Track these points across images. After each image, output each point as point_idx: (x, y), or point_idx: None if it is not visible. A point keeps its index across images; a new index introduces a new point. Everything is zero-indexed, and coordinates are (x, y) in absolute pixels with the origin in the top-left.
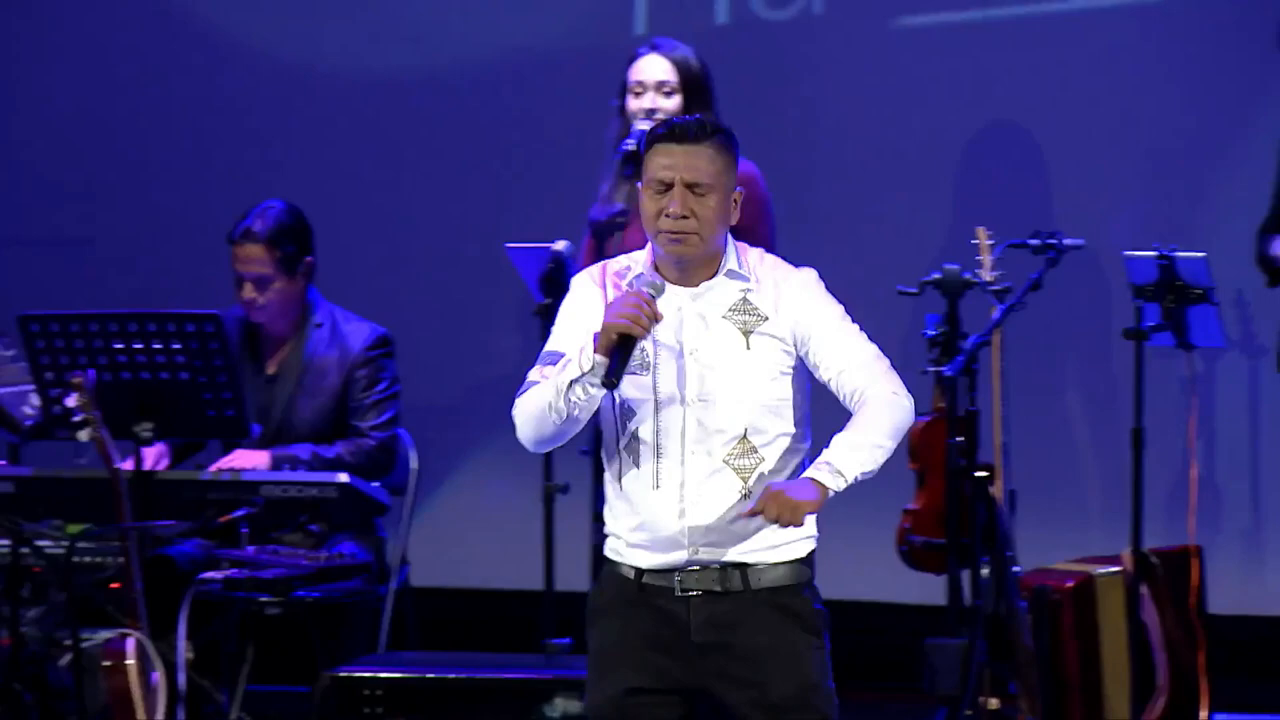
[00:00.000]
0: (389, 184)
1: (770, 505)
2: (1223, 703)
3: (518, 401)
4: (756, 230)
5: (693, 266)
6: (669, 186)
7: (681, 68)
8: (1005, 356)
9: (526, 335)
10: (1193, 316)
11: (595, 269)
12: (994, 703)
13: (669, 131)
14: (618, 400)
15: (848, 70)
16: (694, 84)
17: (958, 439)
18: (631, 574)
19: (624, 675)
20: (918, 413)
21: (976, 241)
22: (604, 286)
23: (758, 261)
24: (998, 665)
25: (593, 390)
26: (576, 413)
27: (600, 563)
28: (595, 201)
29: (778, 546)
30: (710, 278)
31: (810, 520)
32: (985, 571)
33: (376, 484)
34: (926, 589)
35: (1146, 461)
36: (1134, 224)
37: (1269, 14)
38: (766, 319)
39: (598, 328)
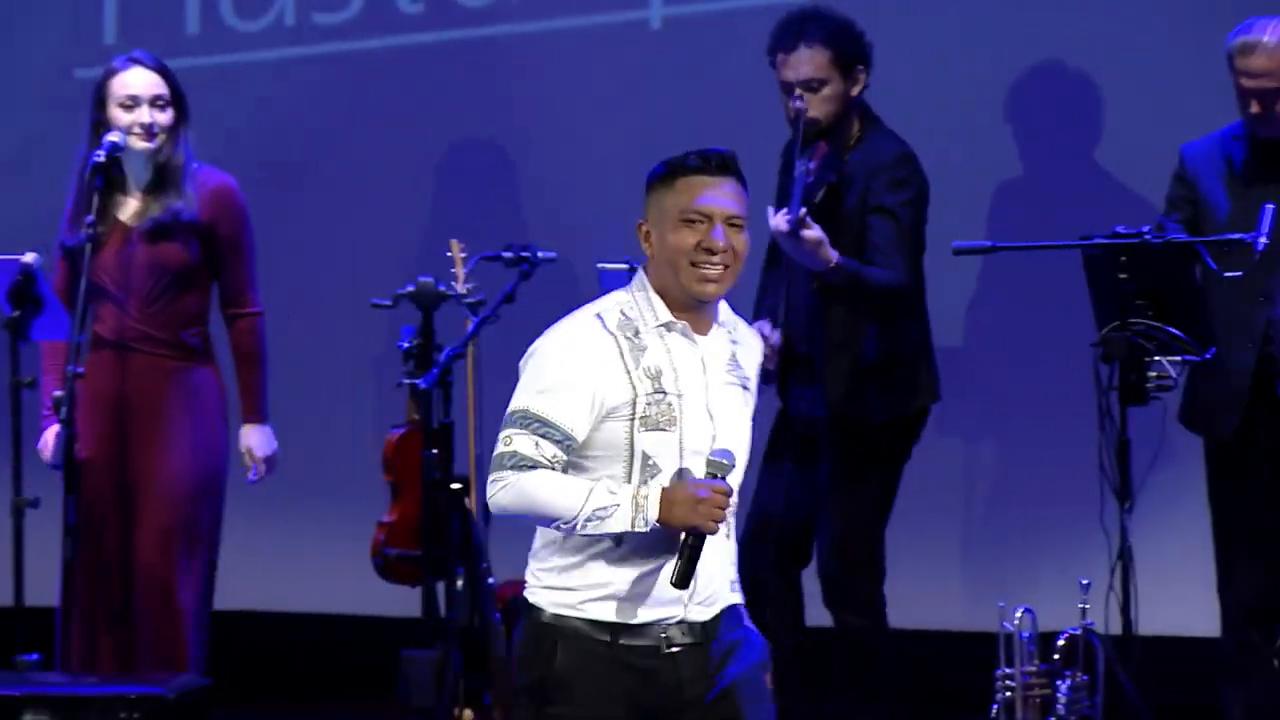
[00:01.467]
0: None
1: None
2: None
3: (518, 482)
4: (240, 242)
5: (708, 312)
6: (707, 219)
7: (170, 79)
8: (480, 369)
9: None
10: None
11: (590, 321)
12: (468, 714)
13: (705, 163)
14: (638, 454)
15: (318, 84)
16: (180, 95)
17: (432, 451)
18: (605, 633)
19: None
20: (393, 425)
21: (450, 254)
22: (618, 341)
23: (728, 312)
24: (472, 676)
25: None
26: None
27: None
28: (64, 220)
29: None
30: (712, 326)
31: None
32: (459, 583)
33: None
34: (401, 601)
35: None
36: (607, 237)
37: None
38: (750, 378)
39: (611, 390)
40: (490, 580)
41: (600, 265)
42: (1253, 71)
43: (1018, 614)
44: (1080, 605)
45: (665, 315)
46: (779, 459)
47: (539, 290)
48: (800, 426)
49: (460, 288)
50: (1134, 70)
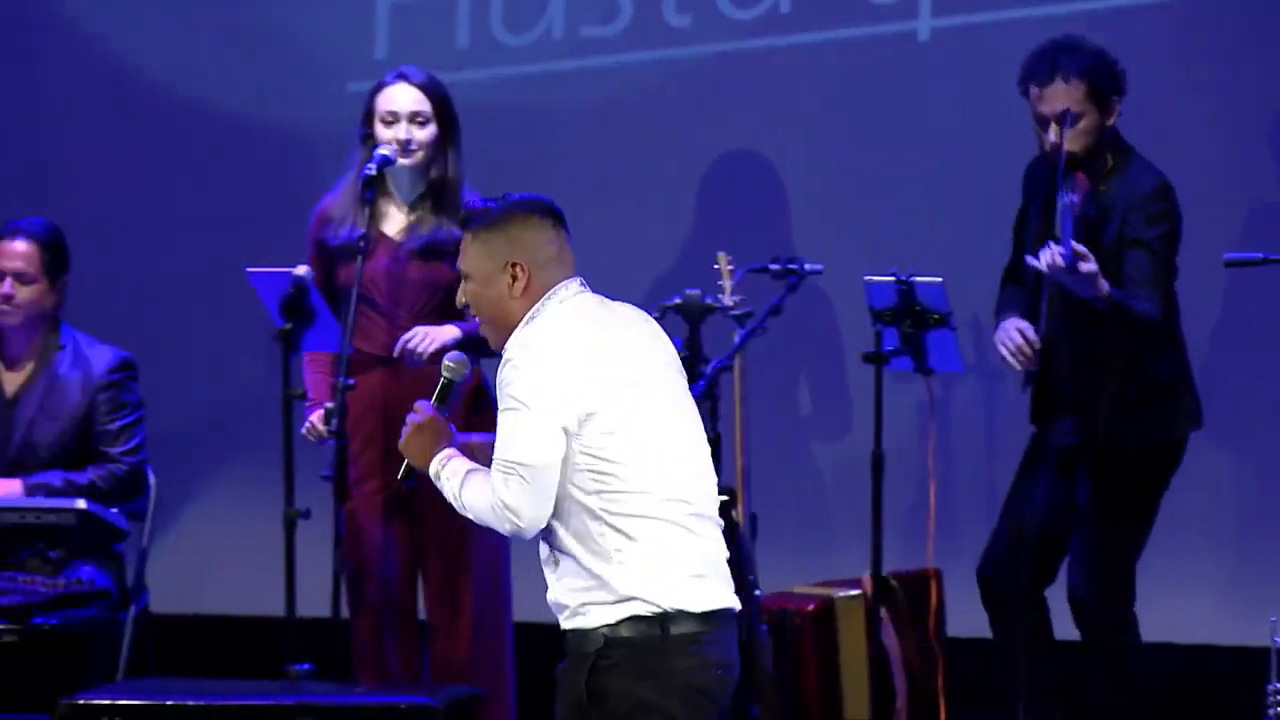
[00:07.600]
0: (127, 206)
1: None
2: None
3: None
4: None
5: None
6: None
7: (435, 96)
8: (746, 381)
9: (267, 360)
10: (930, 341)
11: None
12: None
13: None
14: None
15: (587, 97)
16: (446, 112)
17: None
18: None
19: None
20: None
21: (717, 267)
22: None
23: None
24: (740, 690)
25: None
26: None
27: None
28: (312, 223)
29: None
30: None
31: (570, 593)
32: None
33: (115, 509)
34: None
35: (886, 485)
36: (872, 249)
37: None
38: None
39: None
40: (757, 592)
41: (865, 278)
42: None
43: None
44: None
45: None
46: (1034, 480)
47: (806, 302)
48: (1058, 452)
49: (727, 300)
50: None
